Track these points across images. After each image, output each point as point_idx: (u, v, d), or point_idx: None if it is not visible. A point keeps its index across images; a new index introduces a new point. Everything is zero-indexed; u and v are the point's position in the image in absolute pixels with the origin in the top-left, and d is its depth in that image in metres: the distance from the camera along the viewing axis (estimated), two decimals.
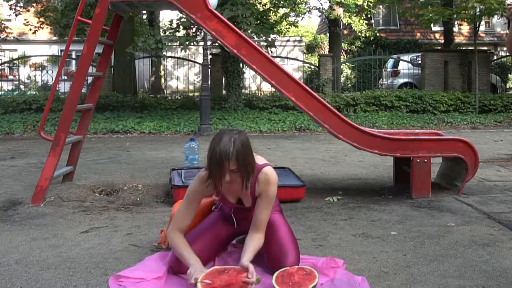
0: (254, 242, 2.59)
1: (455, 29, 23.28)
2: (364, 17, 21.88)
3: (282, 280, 2.40)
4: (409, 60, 15.79)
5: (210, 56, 13.50)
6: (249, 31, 11.15)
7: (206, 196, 2.77)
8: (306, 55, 27.04)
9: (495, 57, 19.85)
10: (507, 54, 18.07)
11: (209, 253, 2.70)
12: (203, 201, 2.91)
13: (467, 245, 3.14)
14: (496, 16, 19.46)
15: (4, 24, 18.15)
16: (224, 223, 2.82)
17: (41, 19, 16.38)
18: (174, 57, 18.03)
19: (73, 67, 19.03)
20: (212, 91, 12.86)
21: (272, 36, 13.96)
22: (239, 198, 2.74)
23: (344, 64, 20.62)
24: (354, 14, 19.59)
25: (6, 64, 17.97)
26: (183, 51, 11.94)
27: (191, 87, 21.31)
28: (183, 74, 23.56)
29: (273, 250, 2.65)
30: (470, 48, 16.60)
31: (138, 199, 4.47)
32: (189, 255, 2.55)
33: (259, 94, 15.48)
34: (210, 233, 2.76)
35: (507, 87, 18.86)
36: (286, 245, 2.65)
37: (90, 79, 6.50)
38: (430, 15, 14.10)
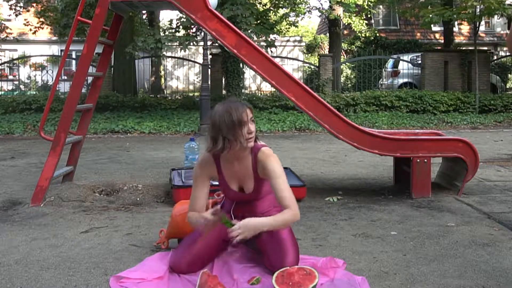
0: (281, 213, 2.62)
1: (455, 29, 23.29)
2: (364, 17, 21.88)
3: (282, 280, 2.40)
4: (409, 60, 15.79)
5: (210, 56, 13.50)
6: (249, 31, 11.15)
7: (211, 180, 2.82)
8: (306, 55, 27.05)
9: (495, 57, 19.85)
10: (507, 54, 18.08)
11: (209, 253, 2.70)
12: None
13: (467, 245, 3.14)
14: (496, 16, 19.46)
15: (4, 24, 18.17)
16: None
17: (41, 19, 16.38)
18: (174, 57, 18.04)
19: (73, 67, 19.01)
20: (212, 91, 12.86)
21: (272, 36, 13.96)
22: (241, 186, 2.76)
23: (344, 64, 20.62)
24: (354, 14, 19.60)
25: (6, 64, 17.97)
26: (183, 51, 11.93)
27: (191, 87, 21.31)
28: (183, 74, 23.54)
29: (272, 250, 2.65)
30: (470, 48, 16.60)
31: (138, 199, 4.47)
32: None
33: (259, 94, 15.48)
34: (211, 233, 2.76)
35: (507, 87, 18.86)
36: (286, 245, 2.65)
37: (90, 79, 6.50)
38: (431, 16, 14.08)
